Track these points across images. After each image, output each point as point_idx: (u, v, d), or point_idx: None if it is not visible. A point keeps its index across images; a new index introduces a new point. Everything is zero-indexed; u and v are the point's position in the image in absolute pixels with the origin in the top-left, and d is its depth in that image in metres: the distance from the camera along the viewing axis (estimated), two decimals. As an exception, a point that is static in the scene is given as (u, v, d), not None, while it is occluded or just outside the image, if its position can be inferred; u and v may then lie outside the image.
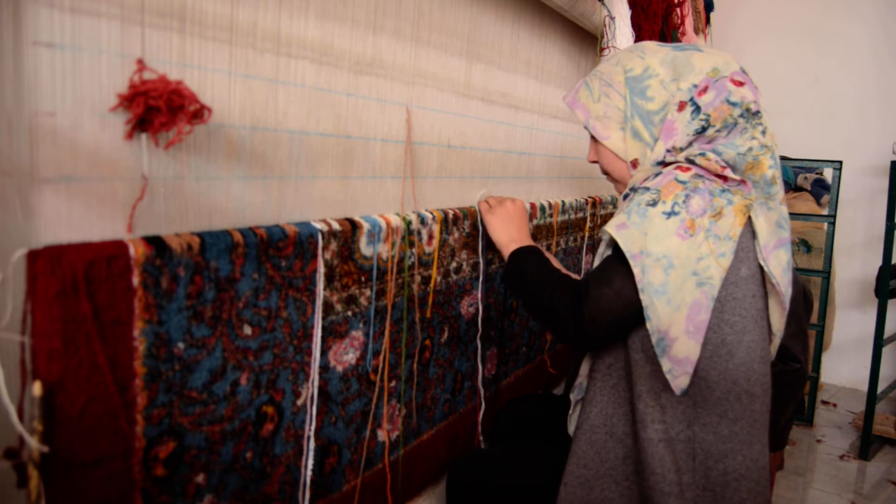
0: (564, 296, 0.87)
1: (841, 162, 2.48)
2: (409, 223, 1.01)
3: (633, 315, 0.83)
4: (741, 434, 0.84)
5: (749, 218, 0.84)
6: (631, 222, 0.83)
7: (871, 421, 2.31)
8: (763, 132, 0.87)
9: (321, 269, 0.83)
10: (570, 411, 1.02)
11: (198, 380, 0.68)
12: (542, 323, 0.91)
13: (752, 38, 3.22)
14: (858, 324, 3.03)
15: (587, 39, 1.72)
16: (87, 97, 0.58)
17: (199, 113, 0.62)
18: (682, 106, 0.88)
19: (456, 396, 1.24)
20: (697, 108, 0.87)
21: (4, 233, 0.57)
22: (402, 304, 1.02)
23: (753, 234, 0.85)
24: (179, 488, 0.68)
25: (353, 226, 0.89)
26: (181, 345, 0.66)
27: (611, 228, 0.84)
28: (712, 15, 2.74)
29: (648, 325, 0.80)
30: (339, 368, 0.90)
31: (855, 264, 3.05)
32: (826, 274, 2.51)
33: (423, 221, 1.05)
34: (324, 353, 0.86)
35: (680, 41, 2.10)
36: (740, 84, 0.87)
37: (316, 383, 0.85)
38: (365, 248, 0.92)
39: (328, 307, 0.86)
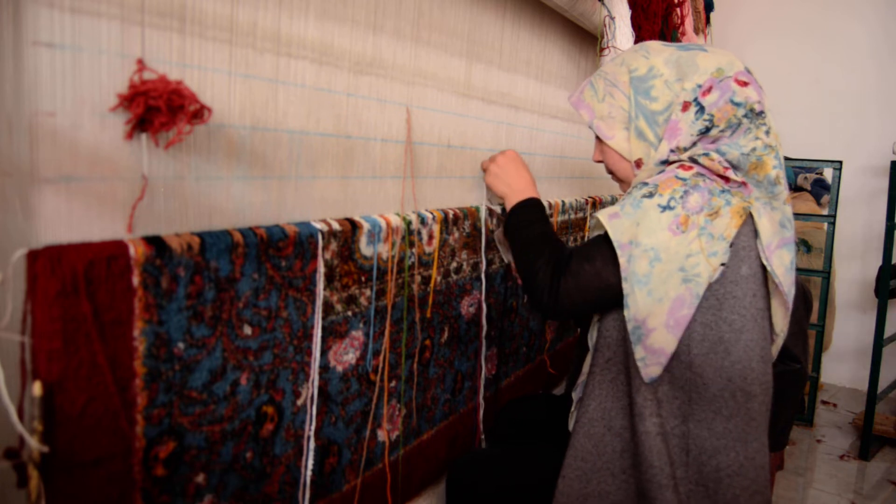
0: (548, 264, 0.88)
1: (841, 162, 2.48)
2: (409, 223, 1.01)
3: (607, 296, 0.85)
4: (735, 431, 0.84)
5: (751, 217, 0.84)
6: (624, 213, 0.84)
7: (871, 421, 2.31)
8: (767, 132, 0.87)
9: (321, 269, 0.83)
10: (572, 409, 1.02)
11: (198, 380, 0.68)
12: (523, 285, 0.92)
13: (752, 38, 3.22)
14: (858, 324, 3.03)
15: (587, 39, 1.72)
16: (87, 97, 0.58)
17: (199, 113, 0.62)
18: (686, 106, 0.88)
19: (456, 396, 1.24)
20: (701, 109, 0.87)
21: (4, 233, 0.57)
22: (403, 304, 1.02)
23: (756, 234, 0.85)
24: (179, 488, 0.68)
25: (353, 226, 0.89)
26: (181, 345, 0.66)
27: (603, 217, 0.85)
28: (712, 15, 2.74)
29: (626, 313, 0.82)
30: (339, 368, 0.90)
31: (855, 264, 3.05)
32: (826, 274, 2.51)
33: (423, 221, 1.05)
34: (324, 353, 0.86)
35: (680, 41, 2.10)
36: (745, 84, 0.87)
37: (316, 383, 0.85)
38: (365, 248, 0.92)
39: (328, 307, 0.86)
